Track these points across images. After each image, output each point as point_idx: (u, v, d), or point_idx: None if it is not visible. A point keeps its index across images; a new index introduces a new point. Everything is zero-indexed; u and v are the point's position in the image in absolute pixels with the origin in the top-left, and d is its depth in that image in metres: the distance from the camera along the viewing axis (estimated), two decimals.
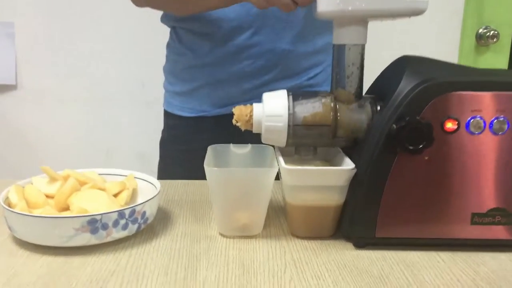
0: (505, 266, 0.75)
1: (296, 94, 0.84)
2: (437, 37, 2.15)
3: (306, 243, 0.82)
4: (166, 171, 1.24)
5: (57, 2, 2.10)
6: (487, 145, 0.76)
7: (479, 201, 0.77)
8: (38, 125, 2.22)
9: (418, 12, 0.79)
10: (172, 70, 1.19)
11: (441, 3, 2.09)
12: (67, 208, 0.82)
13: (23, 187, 0.85)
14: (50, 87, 2.20)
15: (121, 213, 0.77)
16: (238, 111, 0.84)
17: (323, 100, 0.83)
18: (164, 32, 1.23)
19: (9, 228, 0.79)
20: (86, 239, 0.76)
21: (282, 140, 0.83)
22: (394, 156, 0.76)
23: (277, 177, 0.82)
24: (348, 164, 0.81)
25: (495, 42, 2.14)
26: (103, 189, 0.87)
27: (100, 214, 0.75)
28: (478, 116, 0.75)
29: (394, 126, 0.75)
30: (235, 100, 1.08)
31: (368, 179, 0.78)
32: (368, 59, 0.84)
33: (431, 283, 0.70)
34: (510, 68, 2.20)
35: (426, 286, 0.69)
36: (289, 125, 0.82)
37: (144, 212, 0.81)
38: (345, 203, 0.82)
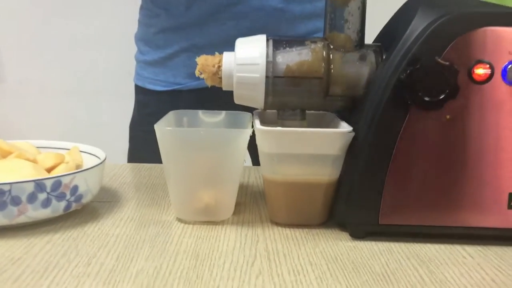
0: None
1: (279, 40, 0.65)
2: None
3: (287, 231, 0.62)
4: (136, 157, 1.05)
5: None
6: None
7: None
8: (22, 120, 2.05)
9: None
10: (143, 36, 1.01)
11: None
12: None
13: None
14: (34, 79, 2.03)
15: (39, 184, 0.58)
16: (203, 60, 0.65)
17: (313, 46, 0.64)
18: None
19: None
20: None
21: (259, 98, 0.64)
22: (405, 115, 0.57)
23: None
24: (344, 127, 0.61)
25: None
26: (32, 161, 0.68)
27: (8, 183, 0.56)
28: None
29: (406, 71, 0.55)
30: None
31: (370, 147, 0.58)
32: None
33: (455, 283, 0.50)
34: None
35: (449, 286, 0.49)
36: (267, 77, 0.63)
37: (76, 187, 0.62)
38: (340, 180, 0.62)
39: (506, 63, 0.56)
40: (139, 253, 0.55)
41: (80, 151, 0.75)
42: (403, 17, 0.63)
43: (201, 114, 0.74)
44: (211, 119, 0.73)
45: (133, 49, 1.03)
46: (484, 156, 0.57)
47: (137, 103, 1.05)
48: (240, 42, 0.65)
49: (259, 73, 0.63)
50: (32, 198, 0.58)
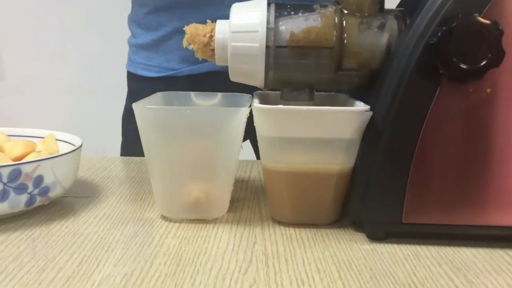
0: None
1: (282, 4, 0.55)
2: None
3: (291, 231, 0.52)
4: (128, 150, 0.95)
5: None
6: None
7: None
8: (22, 116, 1.97)
9: None
10: (136, 17, 0.91)
11: None
12: None
13: None
14: (34, 75, 1.95)
15: None
16: (193, 29, 0.55)
17: (323, 10, 0.53)
18: None
19: None
20: None
21: (258, 73, 0.53)
22: (435, 89, 0.46)
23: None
24: (360, 106, 0.50)
25: None
26: None
27: None
28: None
29: (437, 33, 0.44)
30: None
31: (391, 130, 0.47)
32: None
33: None
34: None
35: None
36: (268, 47, 0.52)
37: (40, 178, 0.52)
38: (354, 170, 0.51)
39: None
40: (108, 256, 0.45)
41: (57, 140, 0.65)
42: None
43: (194, 97, 0.63)
44: (205, 102, 0.63)
45: None
46: None
47: (129, 91, 0.95)
48: (236, 7, 0.55)
49: (258, 42, 0.52)
50: None
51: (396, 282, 0.41)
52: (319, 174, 0.52)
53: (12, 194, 0.50)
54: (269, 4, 0.54)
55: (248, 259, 0.45)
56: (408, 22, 0.52)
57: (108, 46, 1.86)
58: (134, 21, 0.92)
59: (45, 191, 0.53)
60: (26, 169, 0.51)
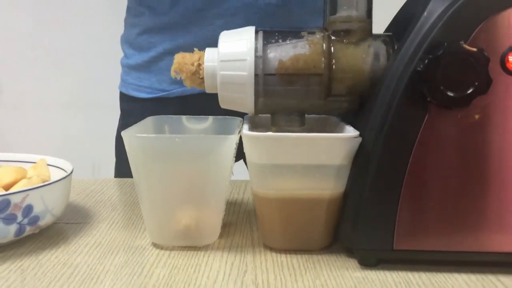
0: None
1: (270, 31, 0.55)
2: None
3: (282, 258, 0.51)
4: (122, 172, 0.95)
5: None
6: None
7: None
8: (18, 131, 1.96)
9: None
10: (128, 38, 0.91)
11: None
12: None
13: None
14: (31, 90, 1.95)
15: None
16: (181, 58, 0.55)
17: (310, 37, 0.53)
18: None
19: None
20: None
21: (248, 101, 0.54)
22: (423, 115, 0.46)
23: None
24: (349, 132, 0.50)
25: None
26: None
27: None
28: None
29: (424, 60, 0.44)
30: None
31: (381, 156, 0.47)
32: None
33: None
34: None
35: None
36: (257, 75, 0.52)
37: (30, 207, 0.52)
38: (345, 195, 0.51)
39: None
40: None
41: (48, 165, 0.65)
42: (417, 2, 0.52)
43: (185, 120, 0.63)
44: (196, 126, 0.63)
45: None
46: None
47: (121, 112, 0.95)
48: (224, 35, 0.55)
49: (246, 70, 0.52)
50: None
51: None
52: (309, 200, 0.51)
53: (0, 225, 0.50)
54: (257, 32, 0.55)
55: None
56: (396, 47, 0.52)
57: (105, 62, 1.86)
58: (126, 41, 0.92)
59: (34, 220, 0.53)
60: (15, 199, 0.50)
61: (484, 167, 0.47)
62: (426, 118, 0.46)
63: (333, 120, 0.59)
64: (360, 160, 0.49)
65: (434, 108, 0.46)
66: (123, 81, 0.92)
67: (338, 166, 0.50)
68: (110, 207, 0.67)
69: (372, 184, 0.48)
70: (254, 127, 0.60)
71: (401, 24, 0.53)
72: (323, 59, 0.53)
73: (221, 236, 0.56)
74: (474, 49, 0.44)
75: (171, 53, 0.85)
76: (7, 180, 0.59)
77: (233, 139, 0.50)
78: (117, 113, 0.98)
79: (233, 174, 0.55)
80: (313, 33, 0.54)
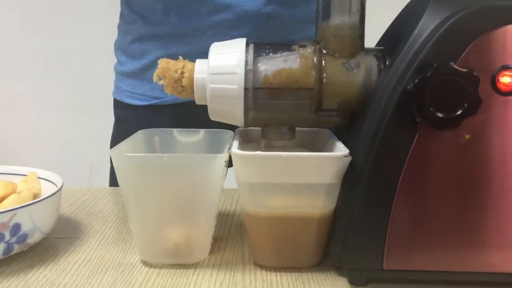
0: None
1: (261, 44, 0.54)
2: None
3: (272, 276, 0.51)
4: (116, 180, 0.94)
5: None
6: None
7: None
8: (15, 134, 1.96)
9: None
10: (121, 44, 0.91)
11: None
12: None
13: None
14: (26, 91, 1.94)
15: None
16: (165, 63, 0.54)
17: (301, 51, 0.53)
18: None
19: None
20: None
21: (238, 114, 0.53)
22: (413, 134, 0.46)
23: None
24: (340, 150, 0.50)
25: None
26: None
27: None
28: None
29: (414, 80, 0.44)
30: None
31: (371, 175, 0.47)
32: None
33: None
34: None
35: None
36: (246, 89, 0.52)
37: (18, 226, 0.51)
38: (335, 213, 0.51)
39: None
40: None
41: (39, 178, 0.64)
42: (410, 15, 0.52)
43: (176, 133, 0.63)
44: (187, 139, 0.63)
45: None
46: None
47: (116, 119, 0.94)
48: (214, 47, 0.55)
49: (236, 84, 0.52)
50: None
51: None
52: (300, 218, 0.51)
53: None
54: (247, 44, 0.54)
55: None
56: (387, 63, 0.52)
57: (102, 64, 1.85)
58: (119, 48, 0.91)
59: (23, 238, 0.53)
60: (2, 218, 0.50)
61: (477, 186, 0.46)
62: (416, 137, 0.46)
63: (324, 133, 0.58)
64: (350, 178, 0.49)
65: (424, 128, 0.45)
66: (117, 87, 0.92)
67: (328, 184, 0.49)
68: (101, 220, 0.66)
69: (362, 203, 0.48)
70: (245, 141, 0.60)
71: (393, 39, 0.53)
72: (314, 73, 0.52)
73: (211, 251, 0.56)
74: (464, 70, 0.43)
75: None
76: None
77: (222, 158, 0.50)
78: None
79: (222, 189, 0.55)
80: (304, 46, 0.54)
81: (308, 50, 0.53)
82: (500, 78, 0.44)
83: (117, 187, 0.78)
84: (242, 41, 0.54)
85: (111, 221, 0.66)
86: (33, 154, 1.93)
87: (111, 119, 0.98)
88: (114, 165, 0.51)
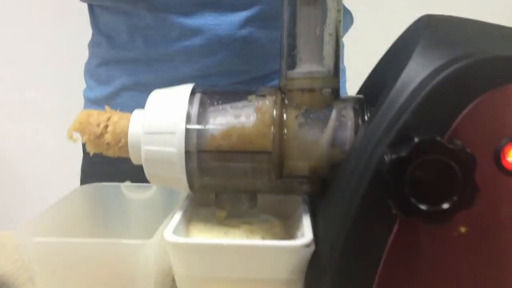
0: None
1: (211, 92, 0.43)
2: None
3: None
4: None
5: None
6: None
7: None
8: (15, 145, 1.90)
9: None
10: (88, 67, 0.81)
11: None
12: None
13: None
14: (14, 100, 1.88)
15: None
16: (85, 116, 0.44)
17: (259, 103, 0.42)
18: None
19: None
20: None
21: (181, 181, 0.43)
22: (391, 224, 0.34)
23: None
24: (302, 233, 0.39)
25: None
26: None
27: None
28: None
29: (388, 155, 0.33)
30: None
31: (338, 271, 0.36)
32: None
33: None
34: None
35: None
36: (188, 152, 0.41)
37: None
38: None
39: None
40: None
41: None
42: (395, 58, 0.40)
43: (125, 189, 0.53)
44: (137, 195, 0.53)
45: None
46: None
47: (84, 149, 0.84)
48: (153, 97, 0.44)
49: (175, 146, 0.41)
50: None
51: None
52: None
53: None
54: (193, 93, 0.43)
55: None
56: (367, 116, 0.41)
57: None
58: (87, 72, 0.82)
59: None
60: None
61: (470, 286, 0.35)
62: (395, 229, 0.35)
63: (294, 200, 0.47)
64: (313, 274, 0.38)
65: (404, 219, 0.34)
66: None
67: (286, 280, 0.38)
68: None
69: None
70: (201, 204, 0.50)
71: (374, 87, 0.42)
72: (272, 130, 0.41)
73: None
74: (454, 147, 0.32)
75: (129, 89, 0.74)
76: None
77: (152, 246, 0.39)
78: None
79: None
80: (264, 96, 0.43)
81: (267, 102, 0.42)
82: (507, 154, 0.33)
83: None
84: (186, 90, 0.44)
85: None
86: (31, 160, 1.88)
87: None
88: (19, 250, 0.41)
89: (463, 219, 0.34)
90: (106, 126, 0.43)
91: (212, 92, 0.44)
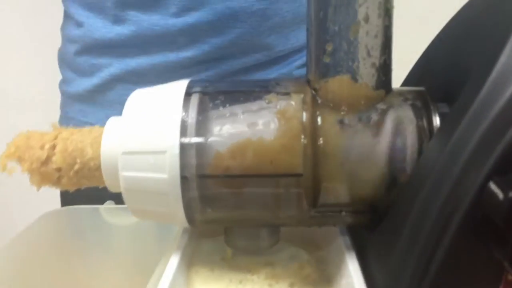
0: None
1: (213, 91, 0.31)
2: None
3: None
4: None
5: None
6: None
7: None
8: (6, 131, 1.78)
9: None
10: (64, 57, 0.68)
11: None
12: None
13: None
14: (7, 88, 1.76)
15: None
16: (24, 139, 0.32)
17: (282, 103, 0.29)
18: None
19: None
20: None
21: (177, 217, 0.31)
22: (495, 284, 0.22)
23: None
24: (349, 283, 0.27)
25: None
26: None
27: None
28: None
29: (500, 188, 0.20)
30: None
31: None
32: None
33: None
34: None
35: None
36: (185, 178, 0.29)
37: None
38: None
39: None
40: None
41: None
42: (470, 40, 0.28)
43: (104, 212, 0.41)
44: (119, 220, 0.41)
45: None
46: None
47: None
48: (133, 102, 0.32)
49: (166, 171, 0.29)
50: None
51: None
52: None
53: None
54: (189, 93, 0.31)
55: None
56: (436, 115, 0.29)
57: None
58: (63, 60, 0.69)
59: None
60: None
61: None
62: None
63: (329, 231, 0.35)
64: None
65: None
66: (64, 114, 0.70)
67: None
68: None
69: None
70: (205, 234, 0.37)
71: (435, 77, 0.29)
72: (302, 143, 0.29)
73: None
74: None
75: (123, 80, 0.62)
76: None
77: None
78: None
79: None
80: (287, 94, 0.30)
81: (292, 102, 0.30)
82: None
83: None
84: (179, 89, 0.31)
85: None
86: None
87: None
88: None
89: None
90: (54, 147, 0.30)
91: (215, 90, 0.31)
